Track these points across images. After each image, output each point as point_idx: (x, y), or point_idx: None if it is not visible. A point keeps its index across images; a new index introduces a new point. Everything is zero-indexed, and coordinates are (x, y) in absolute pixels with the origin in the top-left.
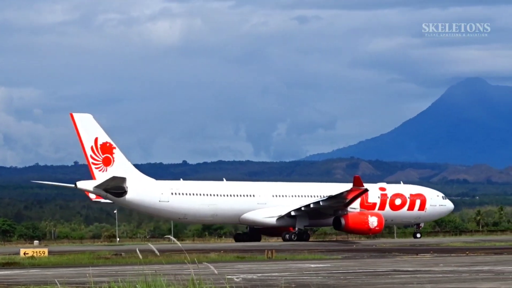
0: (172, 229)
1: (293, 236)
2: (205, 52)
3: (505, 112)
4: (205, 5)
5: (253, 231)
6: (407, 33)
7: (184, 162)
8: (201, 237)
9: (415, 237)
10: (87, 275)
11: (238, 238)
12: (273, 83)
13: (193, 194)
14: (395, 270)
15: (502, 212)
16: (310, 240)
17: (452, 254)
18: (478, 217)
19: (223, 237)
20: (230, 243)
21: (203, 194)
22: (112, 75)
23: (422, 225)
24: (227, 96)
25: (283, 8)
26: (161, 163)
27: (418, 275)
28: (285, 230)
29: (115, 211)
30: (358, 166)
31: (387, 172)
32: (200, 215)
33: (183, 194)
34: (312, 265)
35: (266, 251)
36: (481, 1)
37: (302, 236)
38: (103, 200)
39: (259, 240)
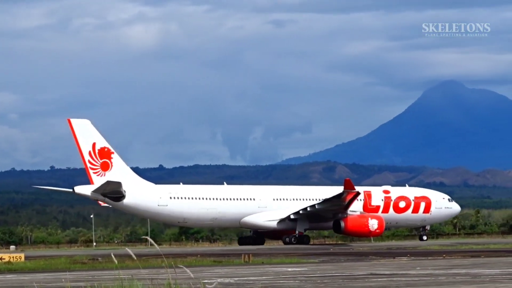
0: (149, 233)
1: (293, 240)
2: (181, 56)
3: (482, 115)
4: (181, 10)
5: (257, 235)
6: (383, 37)
7: (161, 166)
8: (178, 241)
9: (421, 239)
10: (64, 280)
11: (242, 241)
12: (249, 87)
13: (192, 198)
14: (372, 274)
15: (479, 215)
16: (311, 243)
17: (429, 257)
18: (455, 220)
19: (200, 241)
20: (207, 247)
21: (203, 198)
22: (88, 79)
23: (428, 227)
24: (203, 100)
25: (259, 12)
26: (137, 167)
27: (394, 279)
28: (287, 233)
29: (91, 216)
30: (334, 170)
31: (364, 175)
32: (200, 219)
33: (181, 198)
34: (289, 269)
35: (243, 255)
36: (456, 4)
37: (303, 239)
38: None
39: (262, 243)
